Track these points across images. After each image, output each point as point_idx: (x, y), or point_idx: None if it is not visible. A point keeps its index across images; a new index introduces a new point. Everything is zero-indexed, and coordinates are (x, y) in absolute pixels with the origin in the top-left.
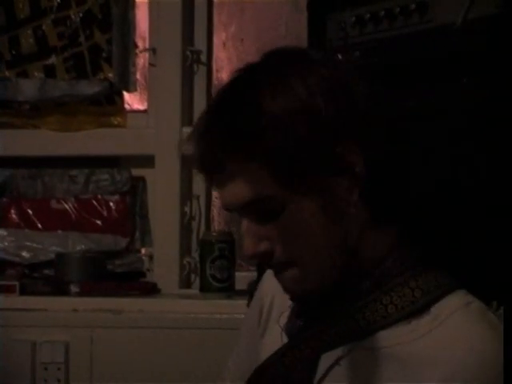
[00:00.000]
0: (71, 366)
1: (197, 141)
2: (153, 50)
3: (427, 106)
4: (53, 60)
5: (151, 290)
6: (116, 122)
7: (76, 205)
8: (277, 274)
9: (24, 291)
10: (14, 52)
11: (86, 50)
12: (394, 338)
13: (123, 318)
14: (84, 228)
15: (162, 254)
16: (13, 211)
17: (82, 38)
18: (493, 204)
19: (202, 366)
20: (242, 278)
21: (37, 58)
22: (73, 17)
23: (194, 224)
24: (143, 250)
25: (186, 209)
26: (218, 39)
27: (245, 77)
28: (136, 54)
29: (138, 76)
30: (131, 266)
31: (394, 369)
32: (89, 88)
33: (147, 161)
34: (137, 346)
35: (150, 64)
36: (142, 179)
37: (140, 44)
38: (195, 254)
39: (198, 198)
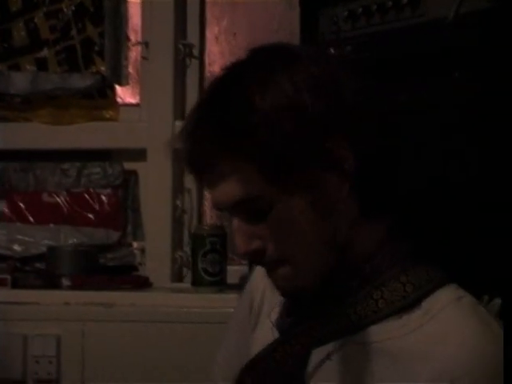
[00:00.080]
0: (63, 359)
1: (187, 139)
2: (145, 44)
3: (419, 100)
4: (45, 53)
5: (143, 284)
6: (108, 116)
7: (68, 198)
8: (269, 272)
9: (16, 284)
10: (5, 45)
11: (78, 44)
12: (384, 333)
13: (115, 311)
14: (76, 221)
15: (154, 247)
16: (4, 204)
17: (74, 31)
18: (484, 198)
19: (194, 360)
20: (234, 271)
21: (29, 51)
22: (65, 10)
23: (186, 218)
24: (135, 244)
25: (178, 202)
26: (210, 33)
27: (233, 74)
28: (128, 47)
29: (131, 69)
30: (123, 259)
31: (385, 364)
32: (81, 81)
33: (139, 154)
34: (128, 339)
35: (143, 57)
36: (134, 173)
37: (132, 37)
38: (187, 248)
39: (189, 191)
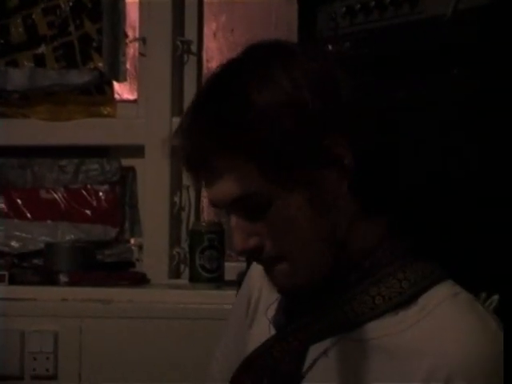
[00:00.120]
0: (60, 355)
1: (184, 136)
2: (143, 40)
3: (418, 96)
4: (42, 49)
5: (141, 280)
6: (106, 112)
7: (65, 195)
8: (267, 269)
9: (13, 281)
10: (3, 41)
11: (75, 40)
12: (381, 330)
13: (112, 308)
14: (73, 218)
15: (152, 244)
16: (2, 201)
17: (71, 28)
18: (483, 195)
19: (192, 356)
20: (232, 268)
21: (26, 47)
22: (63, 6)
23: (184, 214)
24: (133, 240)
25: (176, 199)
26: (208, 29)
27: (230, 70)
28: (126, 43)
29: (128, 66)
30: (121, 256)
31: (382, 360)
32: (79, 77)
33: (137, 151)
34: (126, 336)
35: (140, 54)
36: (132, 169)
37: (130, 34)
38: (185, 245)
39: (187, 188)
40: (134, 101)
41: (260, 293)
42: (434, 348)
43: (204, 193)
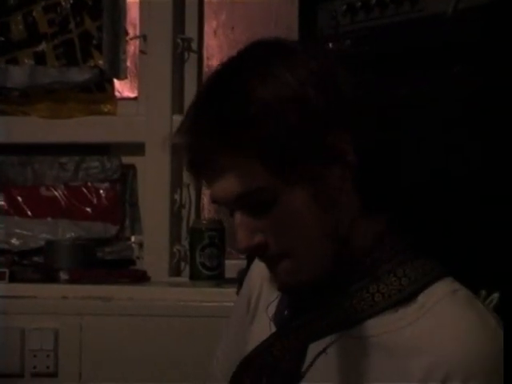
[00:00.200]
0: (60, 353)
1: (185, 135)
2: (143, 38)
3: (419, 94)
4: (43, 47)
5: (141, 278)
6: (106, 110)
7: (66, 192)
8: (270, 267)
9: (13, 278)
10: (3, 39)
11: (76, 37)
12: (381, 327)
13: (113, 305)
14: (74, 215)
15: (152, 241)
16: (2, 198)
17: (72, 25)
18: (485, 192)
19: (192, 354)
20: (232, 266)
21: (27, 45)
22: (63, 3)
23: (184, 212)
24: (133, 238)
25: (176, 197)
26: (208, 27)
27: (231, 68)
28: (126, 41)
29: (129, 63)
30: (121, 253)
31: (381, 357)
32: (79, 75)
33: (137, 148)
34: (126, 333)
35: (141, 51)
36: (132, 167)
37: (130, 31)
38: (185, 242)
39: (188, 186)
40: (135, 98)
41: (260, 290)
42: (433, 345)
43: (204, 190)
